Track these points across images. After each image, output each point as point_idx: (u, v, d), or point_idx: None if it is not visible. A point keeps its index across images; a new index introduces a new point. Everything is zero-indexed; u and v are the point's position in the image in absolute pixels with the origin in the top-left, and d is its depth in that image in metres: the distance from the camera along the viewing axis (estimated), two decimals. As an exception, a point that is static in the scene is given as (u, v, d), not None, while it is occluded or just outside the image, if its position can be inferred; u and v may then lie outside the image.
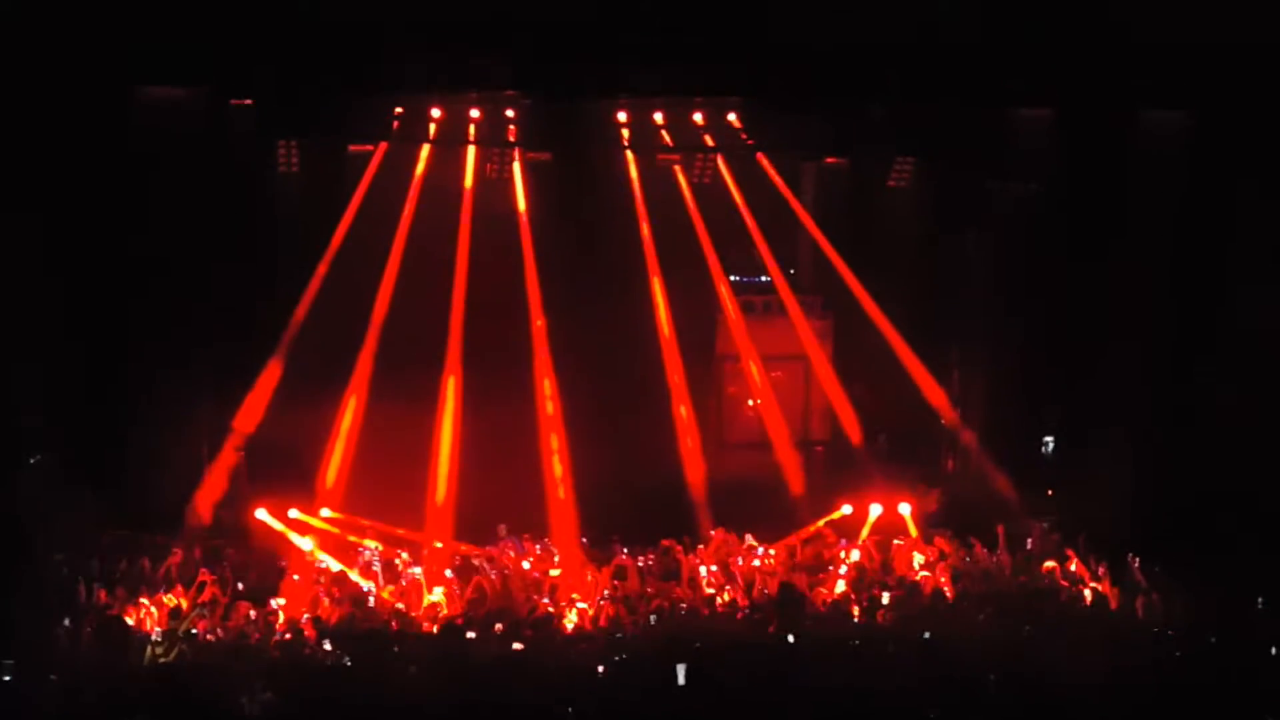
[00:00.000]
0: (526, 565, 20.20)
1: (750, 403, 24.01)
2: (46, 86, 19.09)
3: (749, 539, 21.03)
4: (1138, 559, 19.61)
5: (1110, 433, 22.01)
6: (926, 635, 16.08)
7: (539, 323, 22.28)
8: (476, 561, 20.09)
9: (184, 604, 18.17)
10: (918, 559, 20.64)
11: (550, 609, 18.49)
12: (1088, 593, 19.37)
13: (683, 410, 22.79)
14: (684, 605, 18.59)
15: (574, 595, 19.13)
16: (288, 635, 17.54)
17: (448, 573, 19.72)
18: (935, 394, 23.10)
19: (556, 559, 20.35)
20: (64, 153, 19.48)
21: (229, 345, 21.26)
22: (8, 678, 15.55)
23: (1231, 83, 20.53)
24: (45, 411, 19.55)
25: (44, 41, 18.86)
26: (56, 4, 18.84)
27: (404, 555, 20.49)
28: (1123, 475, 21.33)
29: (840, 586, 19.59)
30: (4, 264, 19.22)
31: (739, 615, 18.31)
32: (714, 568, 19.97)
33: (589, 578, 19.73)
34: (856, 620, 18.43)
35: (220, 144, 20.78)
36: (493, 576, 19.56)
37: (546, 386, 22.12)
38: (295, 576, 19.44)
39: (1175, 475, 21.45)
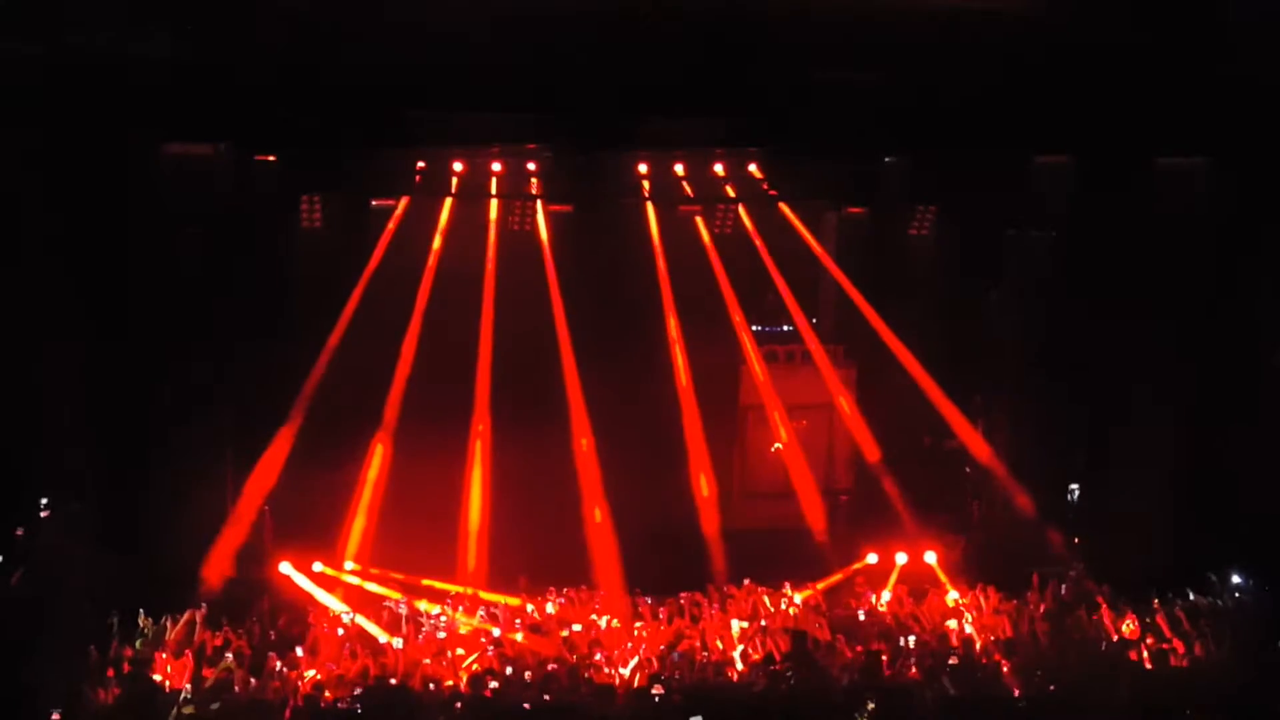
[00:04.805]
0: (551, 610, 20.18)
1: (774, 447, 23.91)
2: (72, 144, 19.28)
3: (786, 587, 20.95)
4: (1165, 605, 19.54)
5: (1137, 478, 21.89)
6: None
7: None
8: (501, 613, 20.08)
9: (208, 660, 18.17)
10: (945, 608, 20.54)
11: (576, 661, 18.45)
12: (1115, 639, 19.22)
13: (706, 461, 22.74)
14: (704, 655, 18.52)
15: (600, 646, 19.09)
16: (313, 690, 17.52)
17: (470, 623, 19.69)
18: (960, 441, 23.03)
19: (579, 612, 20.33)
20: (88, 209, 19.69)
21: (253, 399, 21.36)
22: None
23: (1251, 126, 20.48)
24: (64, 466, 19.67)
25: (70, 99, 19.05)
26: (83, 61, 19.04)
27: (430, 607, 20.48)
28: (1150, 521, 21.20)
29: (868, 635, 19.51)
30: (25, 316, 19.42)
31: (760, 671, 18.18)
32: (744, 624, 19.90)
33: (614, 625, 19.70)
34: (885, 670, 18.32)
35: (244, 200, 20.95)
36: (518, 628, 19.56)
37: (584, 442, 22.13)
38: (320, 630, 19.44)
39: (1202, 521, 21.27)
